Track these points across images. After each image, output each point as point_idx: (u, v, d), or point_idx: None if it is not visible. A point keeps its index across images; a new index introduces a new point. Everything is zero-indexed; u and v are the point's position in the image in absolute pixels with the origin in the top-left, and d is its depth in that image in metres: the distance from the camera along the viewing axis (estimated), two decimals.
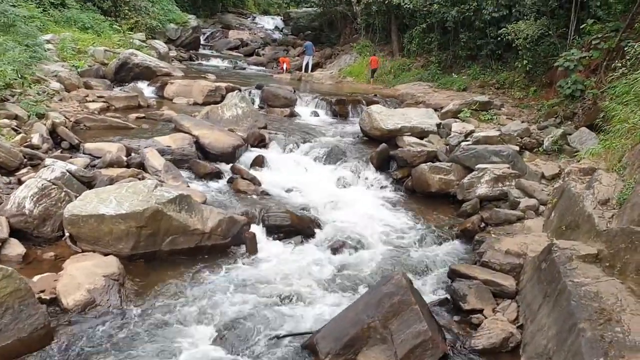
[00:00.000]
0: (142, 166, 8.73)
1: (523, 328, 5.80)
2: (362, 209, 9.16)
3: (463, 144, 10.86)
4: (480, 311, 6.19)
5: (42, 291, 5.74)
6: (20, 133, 8.89)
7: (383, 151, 10.64)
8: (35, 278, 6.03)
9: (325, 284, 6.92)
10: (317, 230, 8.22)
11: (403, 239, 8.30)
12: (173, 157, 9.46)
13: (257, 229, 7.82)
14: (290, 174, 10.19)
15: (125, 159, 8.64)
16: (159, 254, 6.90)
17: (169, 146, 9.66)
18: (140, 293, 6.23)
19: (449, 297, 6.55)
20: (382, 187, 10.24)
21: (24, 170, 7.82)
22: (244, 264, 7.18)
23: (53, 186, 6.99)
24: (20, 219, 6.65)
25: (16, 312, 4.86)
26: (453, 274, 6.86)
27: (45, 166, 7.48)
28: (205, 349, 5.42)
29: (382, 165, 10.64)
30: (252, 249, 7.41)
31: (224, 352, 5.45)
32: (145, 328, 5.65)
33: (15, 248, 6.46)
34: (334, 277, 7.09)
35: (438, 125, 12.37)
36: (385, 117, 11.84)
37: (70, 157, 8.34)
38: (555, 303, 5.35)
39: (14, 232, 6.62)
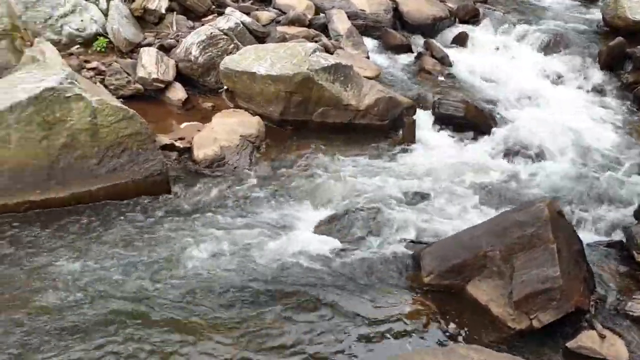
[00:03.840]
0: (324, 28, 8.23)
1: None
2: (565, 113, 7.58)
3: None
4: None
5: (182, 139, 5.87)
6: None
7: (617, 46, 8.51)
8: (183, 125, 6.21)
9: (483, 192, 5.91)
10: (495, 129, 7.03)
11: (601, 161, 6.71)
12: (365, 22, 8.74)
13: (423, 116, 6.96)
14: (492, 58, 8.80)
15: (309, 17, 8.21)
16: (310, 125, 6.56)
17: (363, 10, 8.91)
18: (274, 160, 6.02)
19: (623, 241, 5.18)
20: (601, 92, 8.32)
21: (209, 17, 7.88)
22: (396, 151, 6.49)
23: (223, 36, 6.93)
24: (186, 64, 6.78)
25: (133, 155, 5.00)
26: None
27: (223, 15, 7.40)
28: (305, 235, 5.03)
29: (611, 64, 8.57)
30: (409, 137, 6.65)
31: (332, 239, 5.03)
32: (264, 195, 5.45)
33: (178, 93, 6.66)
34: (495, 187, 6.04)
35: None
36: (637, 5, 9.38)
37: (257, 10, 8.16)
38: None
39: (181, 78, 6.81)
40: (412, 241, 5.01)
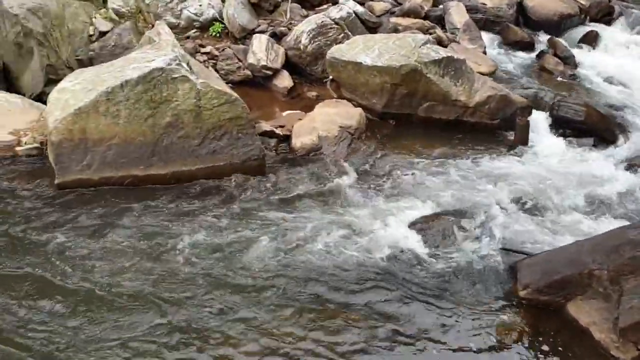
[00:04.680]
0: (440, 20, 7.93)
1: None
2: None
3: None
4: None
5: (282, 126, 5.88)
6: None
7: None
8: (285, 113, 6.23)
9: (597, 205, 5.38)
10: (620, 137, 6.42)
11: None
12: (484, 16, 8.35)
13: (539, 118, 6.49)
14: (624, 60, 8.04)
15: (425, 9, 7.94)
16: (413, 119, 6.34)
17: (484, 3, 8.50)
18: (372, 153, 5.87)
19: None
20: None
21: (324, 6, 7.84)
22: (505, 153, 6.10)
23: (333, 25, 6.88)
24: (295, 52, 6.81)
25: (233, 138, 5.07)
26: None
27: (337, 4, 7.34)
28: (400, 232, 4.82)
29: None
30: (522, 139, 6.22)
31: (426, 239, 4.78)
32: (358, 188, 5.31)
33: (285, 80, 6.70)
34: (611, 201, 5.47)
35: None
36: None
37: (372, 0, 8.02)
38: None
39: (289, 66, 6.84)
40: (510, 250, 4.66)
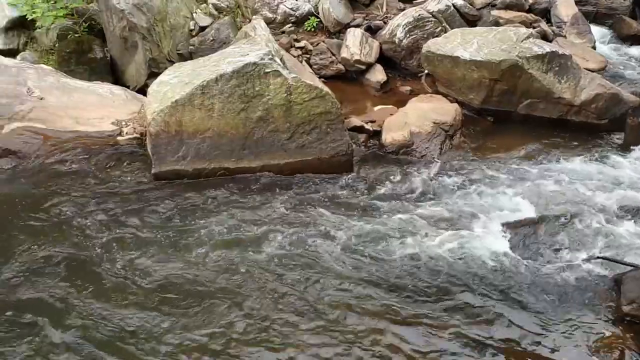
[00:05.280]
0: (546, 13, 7.49)
1: None
2: None
3: None
4: None
5: (373, 121, 5.80)
6: None
7: None
8: (377, 107, 6.13)
9: None
10: None
11: None
12: (595, 9, 7.85)
13: None
14: None
15: (529, 2, 7.52)
16: (513, 116, 6.04)
17: None
18: (468, 151, 5.66)
19: None
20: None
21: None
22: (613, 155, 5.65)
23: (431, 19, 6.68)
24: (390, 46, 6.69)
25: (322, 133, 5.04)
26: None
27: None
28: (491, 236, 4.58)
29: None
30: (633, 141, 5.74)
31: (518, 244, 4.53)
32: (450, 187, 5.13)
33: (378, 74, 6.61)
34: None
35: None
36: None
37: None
38: None
39: (383, 60, 6.74)
40: (613, 260, 4.30)
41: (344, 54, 6.55)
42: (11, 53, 6.51)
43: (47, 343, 3.40)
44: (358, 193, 5.00)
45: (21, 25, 6.66)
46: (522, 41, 5.80)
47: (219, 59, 5.11)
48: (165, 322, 3.58)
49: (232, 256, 4.16)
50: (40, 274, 3.90)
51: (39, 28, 6.40)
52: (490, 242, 4.49)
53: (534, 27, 6.88)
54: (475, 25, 6.91)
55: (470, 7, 7.02)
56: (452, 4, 6.86)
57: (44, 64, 6.11)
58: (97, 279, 3.90)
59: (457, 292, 3.99)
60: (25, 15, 6.23)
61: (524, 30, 6.10)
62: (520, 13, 7.26)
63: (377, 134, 5.66)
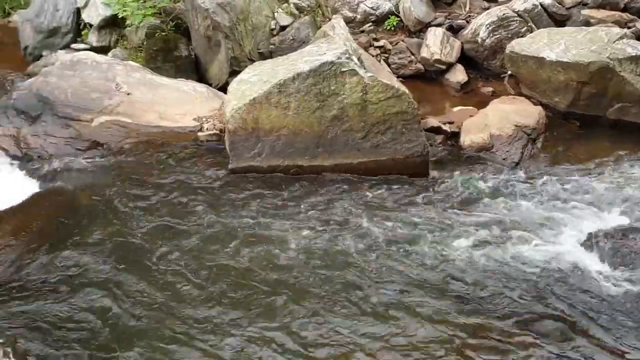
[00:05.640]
0: None
1: None
2: None
3: None
4: None
5: (451, 122, 5.67)
6: None
7: None
8: (456, 108, 6.00)
9: None
10: None
11: None
12: None
13: None
14: None
15: (625, 1, 7.07)
16: (601, 121, 5.74)
17: None
18: (551, 156, 5.42)
19: None
20: None
21: None
22: None
23: (516, 18, 6.46)
24: (472, 46, 6.52)
25: (397, 133, 4.97)
26: None
27: None
28: (574, 246, 4.33)
29: None
30: None
31: (604, 259, 4.26)
32: (531, 194, 4.88)
33: (458, 75, 6.47)
34: None
35: None
36: None
37: None
38: None
39: (464, 60, 6.58)
40: None
41: (424, 53, 6.45)
42: (103, 50, 6.87)
43: (120, 326, 3.56)
44: (432, 195, 4.89)
45: (113, 23, 7.03)
46: (614, 42, 5.49)
47: (297, 58, 5.16)
48: (231, 314, 3.66)
49: (301, 252, 4.19)
50: (115, 257, 4.10)
51: (129, 26, 6.73)
52: (575, 252, 4.27)
53: (628, 27, 6.47)
54: (563, 25, 6.59)
55: (559, 6, 6.71)
56: (540, 3, 6.58)
57: (132, 60, 6.40)
58: (171, 267, 4.04)
59: (532, 305, 3.80)
60: (117, 14, 6.55)
61: (617, 30, 5.77)
62: (614, 12, 6.84)
63: (455, 135, 5.53)
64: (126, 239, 4.30)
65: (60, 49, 7.17)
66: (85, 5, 7.24)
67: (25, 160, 5.27)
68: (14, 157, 5.33)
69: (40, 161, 5.25)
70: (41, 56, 7.21)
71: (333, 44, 5.22)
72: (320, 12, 6.95)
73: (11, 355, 2.43)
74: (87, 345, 3.42)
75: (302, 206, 4.69)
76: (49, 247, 4.16)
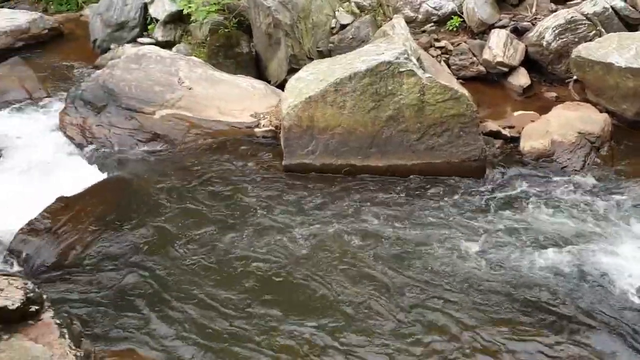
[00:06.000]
0: None
1: None
2: None
3: None
4: None
5: (511, 127, 5.54)
6: None
7: None
8: (517, 113, 5.85)
9: None
10: None
11: None
12: None
13: None
14: None
15: None
16: None
17: None
18: (617, 166, 5.19)
19: None
20: None
21: (577, 0, 7.15)
22: None
23: (584, 21, 6.21)
24: (536, 49, 6.33)
25: (454, 136, 4.89)
26: None
27: None
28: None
29: None
30: None
31: None
32: (595, 206, 4.65)
33: (521, 79, 6.30)
34: None
35: None
36: None
37: None
38: None
39: (527, 63, 6.39)
40: None
41: (486, 55, 6.31)
42: (168, 44, 7.08)
43: (175, 313, 3.67)
44: (488, 201, 4.79)
45: (178, 18, 7.22)
46: None
47: (355, 57, 5.16)
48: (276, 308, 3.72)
49: (349, 251, 4.20)
50: (170, 243, 4.26)
51: (194, 22, 6.89)
52: (634, 275, 4.09)
53: None
54: (636, 30, 6.31)
55: (632, 9, 6.41)
56: (611, 6, 6.31)
57: (195, 56, 6.55)
58: (222, 258, 4.15)
59: (594, 319, 3.68)
60: (182, 10, 6.72)
61: None
62: None
63: (514, 140, 5.39)
64: (180, 226, 4.45)
65: (127, 42, 7.43)
66: (152, 0, 7.46)
67: (90, 148, 5.50)
68: (79, 145, 5.57)
69: (103, 150, 5.46)
70: (109, 49, 7.48)
71: (392, 43, 5.19)
72: (381, 11, 6.92)
73: (67, 336, 2.53)
74: (142, 329, 3.54)
75: (351, 205, 4.69)
76: (108, 232, 4.35)
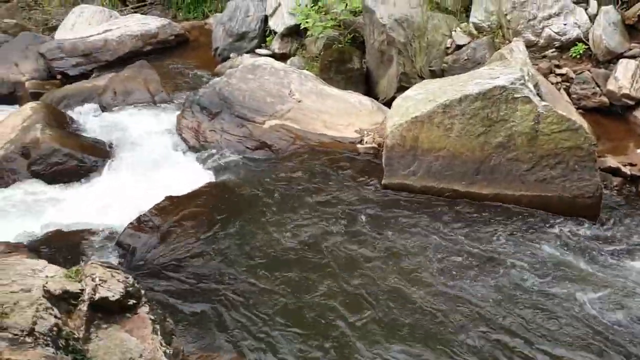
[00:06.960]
0: None
1: None
2: None
3: None
4: None
5: (632, 164, 5.16)
6: None
7: None
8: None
9: None
10: None
11: None
12: None
13: None
14: None
15: None
16: None
17: None
18: None
19: None
20: None
21: None
22: None
23: None
24: None
25: (568, 169, 4.60)
26: None
27: None
28: None
29: None
30: None
31: None
32: None
33: None
34: None
35: None
36: None
37: None
38: None
39: None
40: None
41: (610, 86, 5.91)
42: (283, 57, 7.29)
43: (271, 316, 3.72)
44: (601, 243, 4.45)
45: (295, 32, 7.42)
46: None
47: (467, 79, 5.02)
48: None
49: (432, 281, 4.06)
50: (266, 249, 4.33)
51: (309, 36, 7.03)
52: None
53: None
54: None
55: None
56: None
57: (307, 69, 6.69)
58: (319, 267, 4.17)
59: None
60: (300, 24, 6.89)
61: None
62: None
63: (635, 180, 5.00)
64: (277, 233, 4.51)
65: (246, 52, 7.74)
66: (273, 13, 7.72)
67: (202, 152, 5.75)
68: (193, 148, 5.85)
69: (214, 154, 5.68)
70: (229, 57, 7.82)
71: (508, 67, 4.99)
72: (500, 33, 6.70)
73: (159, 332, 2.63)
74: (233, 335, 3.60)
75: (450, 232, 4.54)
76: (210, 235, 4.49)
